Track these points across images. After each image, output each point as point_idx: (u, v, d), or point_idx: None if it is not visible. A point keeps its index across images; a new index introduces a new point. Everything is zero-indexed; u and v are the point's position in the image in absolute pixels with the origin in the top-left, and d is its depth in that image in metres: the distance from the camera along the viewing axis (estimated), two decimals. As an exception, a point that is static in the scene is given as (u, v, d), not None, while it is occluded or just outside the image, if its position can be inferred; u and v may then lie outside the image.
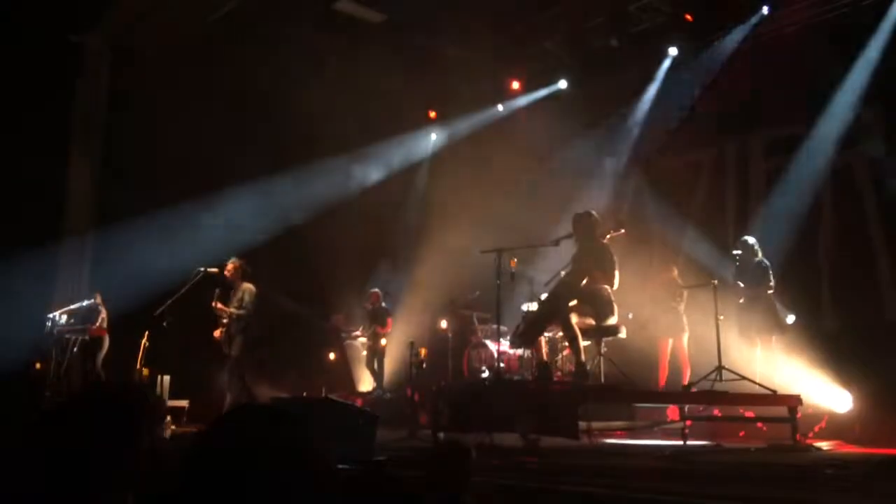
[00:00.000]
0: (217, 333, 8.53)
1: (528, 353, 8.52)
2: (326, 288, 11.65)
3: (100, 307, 9.44)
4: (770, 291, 7.93)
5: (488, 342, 9.56)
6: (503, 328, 8.80)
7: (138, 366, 8.40)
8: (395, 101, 11.75)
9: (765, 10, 9.08)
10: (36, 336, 9.13)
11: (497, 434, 6.38)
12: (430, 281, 11.17)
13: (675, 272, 9.34)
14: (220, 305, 8.37)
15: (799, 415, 6.57)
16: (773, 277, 7.99)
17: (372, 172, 12.18)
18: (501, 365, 8.58)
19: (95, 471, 1.48)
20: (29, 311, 9.14)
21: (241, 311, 8.38)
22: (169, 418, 7.57)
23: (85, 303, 9.43)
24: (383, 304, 10.99)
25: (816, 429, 7.20)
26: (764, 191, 9.40)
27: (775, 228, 8.58)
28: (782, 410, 6.69)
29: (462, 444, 3.38)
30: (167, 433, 7.17)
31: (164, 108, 9.65)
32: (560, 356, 8.38)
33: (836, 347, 8.12)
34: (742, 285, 8.08)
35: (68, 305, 9.42)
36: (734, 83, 9.47)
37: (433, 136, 12.72)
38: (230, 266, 8.55)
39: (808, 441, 6.84)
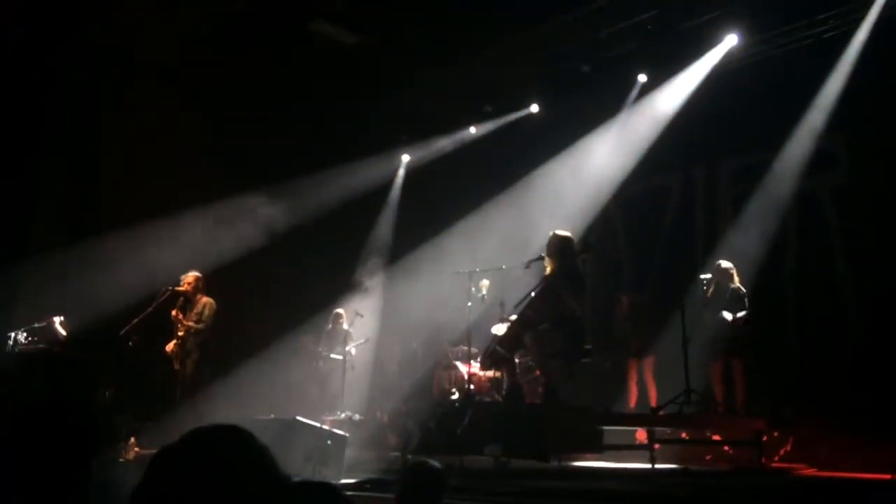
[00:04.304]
0: (169, 347, 8.41)
1: (498, 374, 8.51)
2: (294, 308, 11.52)
3: (59, 327, 9.25)
4: (741, 314, 7.96)
5: (458, 364, 9.54)
6: (474, 350, 8.80)
7: (102, 386, 8.23)
8: (367, 120, 11.78)
9: (733, 38, 9.27)
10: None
11: (467, 456, 6.36)
12: (401, 302, 11.14)
13: (643, 295, 9.43)
14: (179, 316, 8.27)
15: (765, 438, 6.64)
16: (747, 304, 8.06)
17: (342, 192, 12.12)
18: (471, 387, 8.56)
19: (43, 491, 1.44)
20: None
21: (200, 326, 8.30)
22: (133, 439, 7.42)
23: (45, 322, 9.23)
24: (344, 326, 10.84)
25: (782, 452, 7.26)
26: (731, 216, 9.54)
27: (741, 254, 8.69)
28: (749, 434, 6.76)
29: (433, 466, 3.35)
30: (131, 455, 7.02)
31: (131, 127, 9.55)
32: (530, 378, 8.38)
33: (801, 372, 8.24)
34: (708, 318, 8.12)
35: (30, 324, 9.21)
36: (702, 110, 9.63)
37: (405, 157, 12.75)
38: (189, 279, 8.49)
39: (774, 464, 6.91)
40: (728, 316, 7.86)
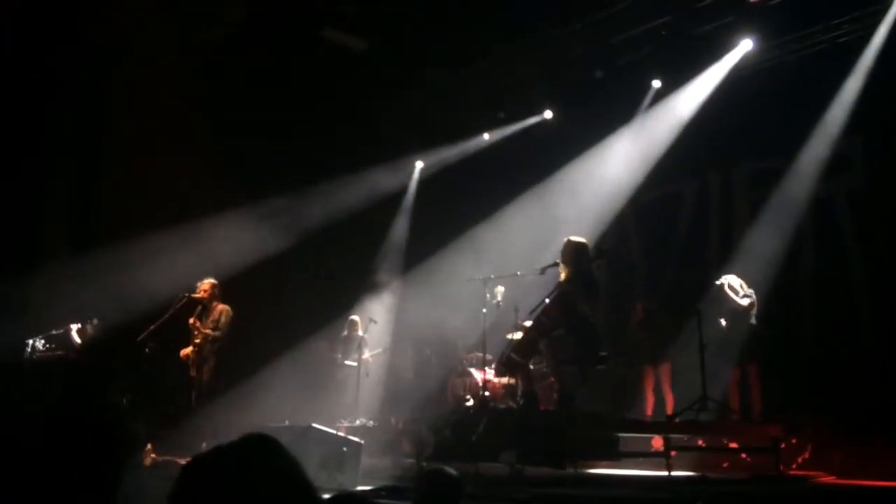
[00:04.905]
0: (186, 354, 8.46)
1: (513, 381, 8.49)
2: (309, 315, 11.55)
3: (76, 335, 9.32)
4: (753, 322, 7.98)
5: (473, 370, 9.53)
6: (488, 356, 8.79)
7: (118, 392, 8.28)
8: (381, 127, 11.80)
9: (748, 43, 9.23)
10: (13, 361, 8.98)
11: (482, 463, 6.35)
12: (416, 308, 11.13)
13: (657, 301, 9.39)
14: (197, 323, 8.33)
15: (783, 445, 6.59)
16: (756, 306, 8.08)
17: (357, 198, 12.15)
18: (486, 393, 8.55)
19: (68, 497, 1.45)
20: (3, 338, 8.98)
21: (216, 333, 8.35)
22: (150, 446, 7.45)
23: (62, 329, 9.31)
24: (360, 333, 10.83)
25: (800, 459, 7.21)
26: (747, 221, 9.50)
27: (757, 258, 8.66)
28: (766, 441, 6.72)
29: (449, 474, 3.36)
30: (148, 461, 7.06)
31: (144, 133, 9.59)
32: (544, 384, 8.36)
33: (817, 375, 8.18)
34: (724, 322, 8.16)
35: (47, 331, 9.29)
36: (717, 115, 9.59)
37: (419, 164, 12.78)
38: (205, 286, 8.56)
39: (792, 472, 6.86)
40: (723, 322, 8.09)
